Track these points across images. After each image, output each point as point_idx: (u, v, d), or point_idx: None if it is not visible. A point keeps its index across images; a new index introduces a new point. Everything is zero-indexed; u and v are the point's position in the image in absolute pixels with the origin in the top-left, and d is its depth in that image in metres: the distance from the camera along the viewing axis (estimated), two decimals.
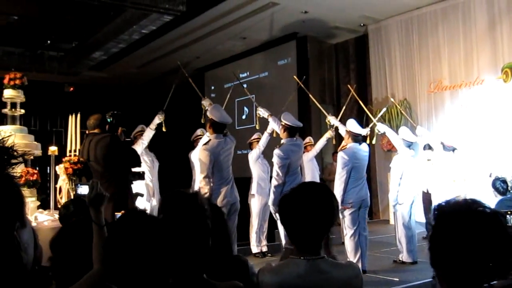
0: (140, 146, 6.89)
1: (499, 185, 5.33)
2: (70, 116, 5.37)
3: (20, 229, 1.03)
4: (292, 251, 2.03)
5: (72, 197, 5.02)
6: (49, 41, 12.68)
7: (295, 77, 9.42)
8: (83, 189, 2.33)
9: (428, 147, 8.50)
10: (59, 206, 4.78)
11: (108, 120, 4.76)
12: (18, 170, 4.89)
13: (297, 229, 1.97)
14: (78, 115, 5.29)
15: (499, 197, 5.27)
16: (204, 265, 1.78)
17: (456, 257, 1.39)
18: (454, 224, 1.41)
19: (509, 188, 5.60)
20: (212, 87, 15.21)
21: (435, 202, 7.93)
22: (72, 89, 15.57)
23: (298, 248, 1.98)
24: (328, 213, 1.98)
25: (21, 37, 12.34)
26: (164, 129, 7.28)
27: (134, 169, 5.08)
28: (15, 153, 1.01)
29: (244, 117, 13.72)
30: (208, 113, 5.99)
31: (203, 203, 1.81)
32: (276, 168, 6.28)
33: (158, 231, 1.83)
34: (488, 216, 1.41)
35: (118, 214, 2.98)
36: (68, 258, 2.24)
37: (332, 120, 7.57)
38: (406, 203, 7.10)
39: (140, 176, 5.00)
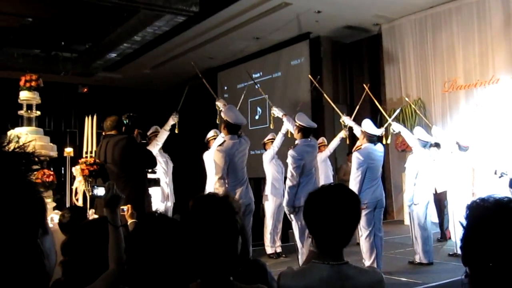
0: (154, 147, 6.91)
1: None
2: (86, 118, 5.39)
3: (43, 236, 1.03)
4: (315, 255, 2.02)
5: (88, 198, 5.04)
6: (63, 43, 12.78)
7: (310, 76, 9.40)
8: (99, 191, 2.34)
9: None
10: None
11: (125, 122, 4.78)
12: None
13: (322, 233, 1.95)
14: (95, 117, 5.31)
15: None
16: (232, 268, 1.78)
17: (490, 256, 1.37)
18: (489, 222, 1.39)
19: None
20: (225, 88, 15.22)
21: (451, 203, 7.88)
22: (86, 90, 15.65)
23: (322, 253, 1.97)
24: (354, 218, 1.97)
25: (36, 39, 12.44)
26: (177, 131, 7.30)
27: (150, 175, 5.09)
28: (36, 159, 1.01)
29: (257, 117, 13.71)
30: (222, 114, 5.98)
31: (233, 206, 1.81)
32: (290, 169, 6.25)
33: (177, 234, 1.84)
34: None
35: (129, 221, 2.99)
36: (79, 261, 2.25)
37: (346, 120, 7.52)
38: (421, 204, 7.05)
39: (156, 182, 4.98)
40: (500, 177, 5.60)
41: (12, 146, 0.98)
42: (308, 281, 1.92)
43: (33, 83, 6.28)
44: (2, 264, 0.90)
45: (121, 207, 2.17)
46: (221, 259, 1.73)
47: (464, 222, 1.49)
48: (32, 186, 0.98)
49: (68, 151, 6.47)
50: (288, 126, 6.88)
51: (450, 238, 8.23)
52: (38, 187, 1.01)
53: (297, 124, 6.40)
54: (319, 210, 1.94)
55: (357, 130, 6.93)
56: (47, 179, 5.65)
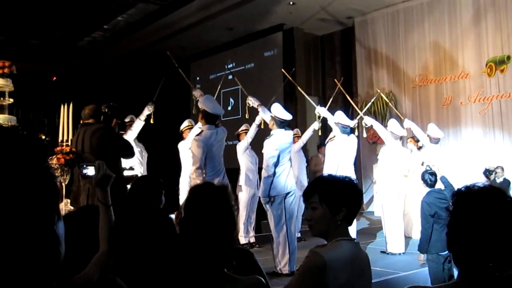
0: (130, 136, 6.87)
1: (428, 178, 5.49)
2: (62, 106, 5.30)
3: (57, 222, 1.04)
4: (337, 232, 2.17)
5: (64, 188, 4.98)
6: (32, 30, 12.51)
7: (283, 70, 9.44)
8: (89, 170, 2.32)
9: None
10: None
11: (104, 111, 4.73)
12: None
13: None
14: (71, 105, 5.23)
15: (427, 189, 5.48)
16: (226, 259, 1.78)
17: (473, 242, 1.44)
18: (474, 209, 1.47)
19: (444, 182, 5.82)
20: (198, 78, 15.15)
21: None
22: (54, 78, 15.36)
23: (343, 232, 2.16)
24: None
25: (4, 25, 12.15)
26: (152, 121, 7.26)
27: (127, 172, 5.05)
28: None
29: (229, 108, 13.70)
30: (199, 104, 5.95)
31: (231, 197, 1.82)
32: (266, 159, 6.25)
33: (161, 223, 1.84)
34: (508, 203, 1.46)
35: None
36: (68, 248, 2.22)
37: (321, 111, 7.55)
38: (393, 195, 7.18)
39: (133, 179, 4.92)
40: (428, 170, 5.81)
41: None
42: (342, 252, 2.10)
43: (5, 70, 6.12)
44: (21, 250, 0.91)
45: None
46: (218, 250, 1.73)
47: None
48: (50, 171, 0.99)
49: (43, 138, 6.35)
50: (263, 116, 6.88)
51: None
52: (53, 172, 1.01)
53: (273, 116, 6.38)
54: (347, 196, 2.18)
55: (331, 121, 6.99)
56: None
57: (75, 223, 2.22)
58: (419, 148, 8.42)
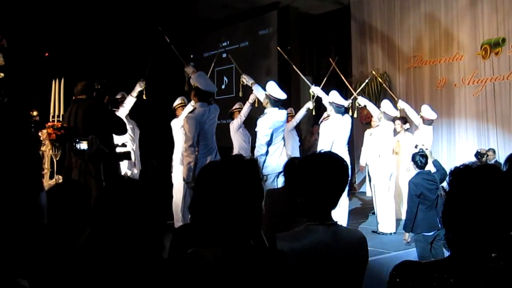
0: (121, 113, 6.82)
1: (419, 159, 5.60)
2: (53, 81, 5.24)
3: (39, 192, 1.01)
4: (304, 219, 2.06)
5: (55, 163, 4.94)
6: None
7: (279, 48, 9.38)
8: (82, 145, 2.29)
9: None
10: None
11: (96, 87, 4.69)
12: None
13: (316, 196, 2.01)
14: (62, 80, 5.16)
15: (417, 170, 5.57)
16: (255, 231, 1.75)
17: (470, 220, 1.46)
18: (472, 186, 1.48)
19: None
20: (192, 56, 15.02)
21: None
22: (47, 54, 15.15)
23: (315, 216, 2.03)
24: (343, 181, 2.07)
25: None
26: (144, 97, 7.21)
27: (120, 149, 5.00)
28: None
29: (223, 86, 13.62)
30: (192, 81, 5.91)
31: (260, 171, 1.78)
32: (259, 137, 6.22)
33: (148, 198, 1.80)
34: (505, 180, 1.46)
35: None
36: (55, 226, 2.19)
37: (316, 90, 7.52)
38: (385, 175, 7.21)
39: (127, 156, 4.80)
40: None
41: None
42: (308, 241, 1.97)
43: None
44: (5, 217, 0.89)
45: None
46: (245, 221, 1.69)
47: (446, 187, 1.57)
48: (35, 139, 0.97)
49: (34, 114, 6.30)
50: (257, 94, 6.84)
51: None
52: (37, 141, 0.99)
53: (267, 94, 6.33)
54: (313, 176, 1.99)
55: (326, 100, 6.97)
56: None
57: (56, 197, 2.18)
58: (406, 130, 8.42)
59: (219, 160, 1.85)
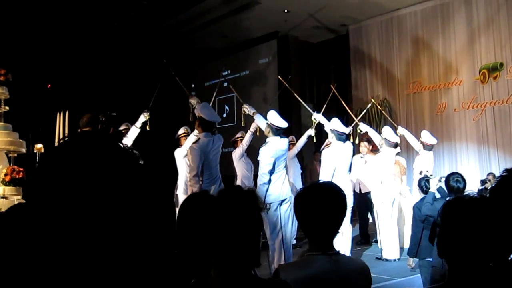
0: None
1: (424, 184, 5.61)
2: (58, 114, 5.33)
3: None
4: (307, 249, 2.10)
5: None
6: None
7: (280, 77, 9.48)
8: None
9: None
10: None
11: (101, 120, 4.76)
12: (3, 170, 4.76)
13: (316, 227, 2.06)
14: (67, 113, 5.25)
15: (422, 195, 5.60)
16: (253, 262, 1.76)
17: (465, 246, 1.56)
18: (465, 218, 1.59)
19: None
20: (193, 85, 15.16)
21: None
22: (49, 86, 15.28)
23: (316, 246, 2.07)
24: (342, 210, 2.10)
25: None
26: (148, 128, 7.27)
27: None
28: None
29: (224, 115, 13.72)
30: (196, 111, 5.98)
31: (259, 201, 1.81)
32: (261, 166, 6.25)
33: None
34: (492, 211, 1.58)
35: None
36: None
37: (318, 117, 7.57)
38: (387, 202, 7.22)
39: None
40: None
41: None
42: (310, 271, 2.00)
43: (1, 78, 6.14)
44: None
45: None
46: (243, 251, 1.70)
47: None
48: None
49: (39, 147, 6.36)
50: (258, 123, 6.89)
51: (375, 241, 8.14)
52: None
53: (269, 123, 6.37)
54: (310, 207, 2.04)
55: (327, 127, 7.02)
56: (17, 176, 5.57)
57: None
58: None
59: (218, 191, 1.86)
